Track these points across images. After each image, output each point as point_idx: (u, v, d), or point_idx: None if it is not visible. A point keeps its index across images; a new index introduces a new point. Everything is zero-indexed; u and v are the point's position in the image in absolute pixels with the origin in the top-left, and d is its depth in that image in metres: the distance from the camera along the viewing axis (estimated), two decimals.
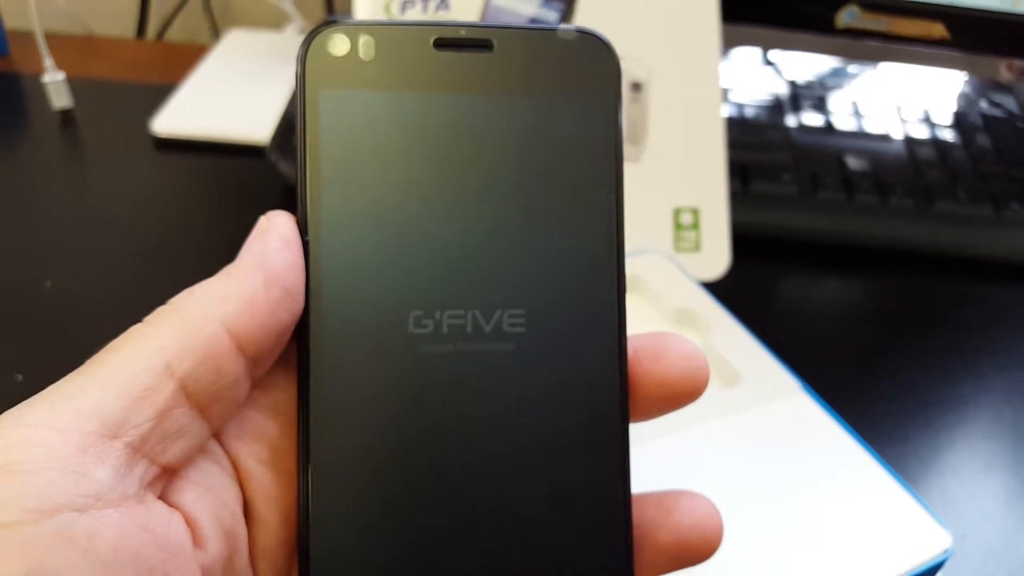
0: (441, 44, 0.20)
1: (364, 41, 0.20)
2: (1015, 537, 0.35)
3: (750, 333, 0.38)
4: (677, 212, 0.45)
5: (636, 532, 0.20)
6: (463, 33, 0.21)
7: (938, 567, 0.30)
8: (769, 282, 0.50)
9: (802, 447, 0.33)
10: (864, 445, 0.33)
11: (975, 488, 0.37)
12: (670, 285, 0.41)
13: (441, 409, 0.20)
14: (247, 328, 0.18)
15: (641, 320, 0.40)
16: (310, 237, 0.20)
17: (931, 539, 0.30)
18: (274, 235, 0.19)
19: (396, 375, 0.20)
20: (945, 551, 0.30)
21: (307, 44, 0.20)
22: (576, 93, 0.21)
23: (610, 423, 0.20)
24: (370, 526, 0.19)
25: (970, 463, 0.39)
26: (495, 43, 0.21)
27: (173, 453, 0.17)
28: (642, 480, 0.30)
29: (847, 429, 0.34)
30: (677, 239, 0.45)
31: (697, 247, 0.45)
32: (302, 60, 0.20)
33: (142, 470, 0.17)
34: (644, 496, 0.21)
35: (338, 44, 0.20)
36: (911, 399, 0.42)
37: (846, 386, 0.42)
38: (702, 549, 0.21)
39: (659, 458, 0.32)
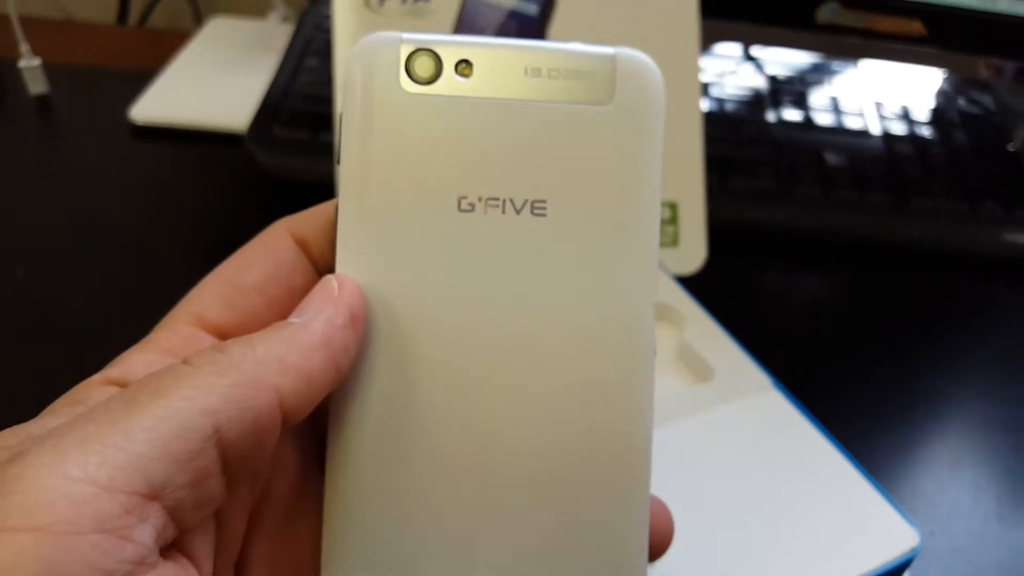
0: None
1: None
2: (984, 533, 0.36)
3: (724, 329, 0.38)
4: None
5: None
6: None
7: (906, 565, 0.31)
8: (746, 276, 0.50)
9: (773, 443, 0.33)
10: (834, 442, 0.33)
11: (945, 484, 0.38)
12: None
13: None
14: (298, 404, 0.18)
15: None
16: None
17: (899, 537, 0.30)
18: (343, 307, 0.19)
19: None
20: (913, 549, 0.30)
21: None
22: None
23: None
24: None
25: (941, 458, 0.39)
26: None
27: (196, 519, 0.17)
28: None
29: (817, 426, 0.34)
30: None
31: (675, 242, 0.46)
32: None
33: (172, 532, 0.16)
34: None
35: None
36: (885, 394, 0.42)
37: (821, 380, 0.42)
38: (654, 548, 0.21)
39: None
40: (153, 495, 0.15)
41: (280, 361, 0.17)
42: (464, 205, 0.20)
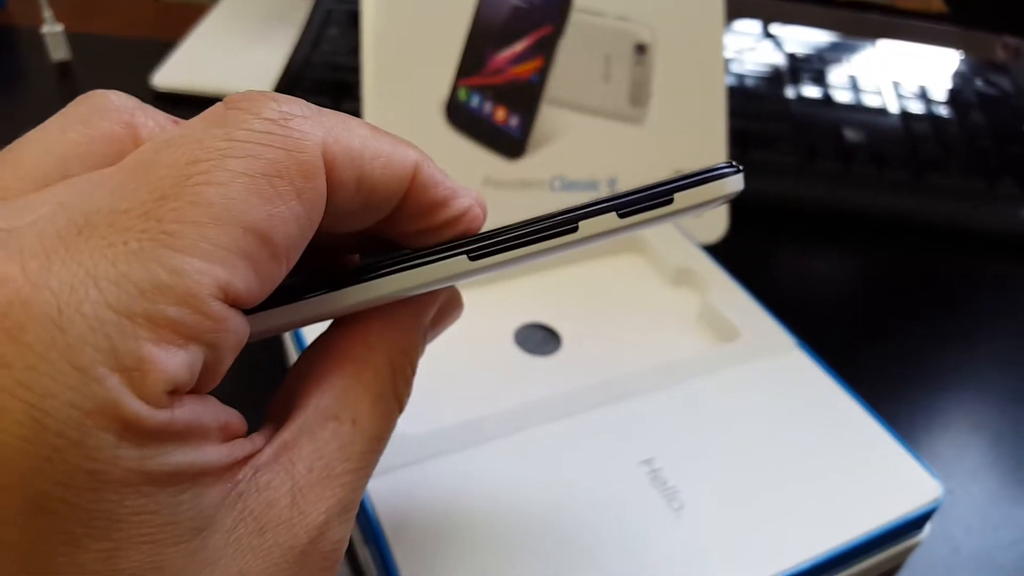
0: None
1: None
2: (1000, 492, 0.36)
3: (747, 292, 0.39)
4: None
5: None
6: None
7: (929, 514, 0.31)
8: (766, 249, 0.50)
9: (797, 398, 0.34)
10: (857, 398, 0.34)
11: (964, 446, 0.38)
12: (669, 245, 0.42)
13: None
14: None
15: (641, 278, 0.41)
16: None
17: (922, 487, 0.31)
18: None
19: None
20: (935, 499, 0.31)
21: None
22: None
23: None
24: None
25: (959, 423, 0.39)
26: None
27: None
28: (641, 431, 0.31)
29: (841, 384, 0.34)
30: None
31: None
32: None
33: None
34: None
35: None
36: (903, 362, 0.43)
37: (840, 349, 0.42)
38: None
39: (659, 410, 0.32)
40: None
41: None
42: None
